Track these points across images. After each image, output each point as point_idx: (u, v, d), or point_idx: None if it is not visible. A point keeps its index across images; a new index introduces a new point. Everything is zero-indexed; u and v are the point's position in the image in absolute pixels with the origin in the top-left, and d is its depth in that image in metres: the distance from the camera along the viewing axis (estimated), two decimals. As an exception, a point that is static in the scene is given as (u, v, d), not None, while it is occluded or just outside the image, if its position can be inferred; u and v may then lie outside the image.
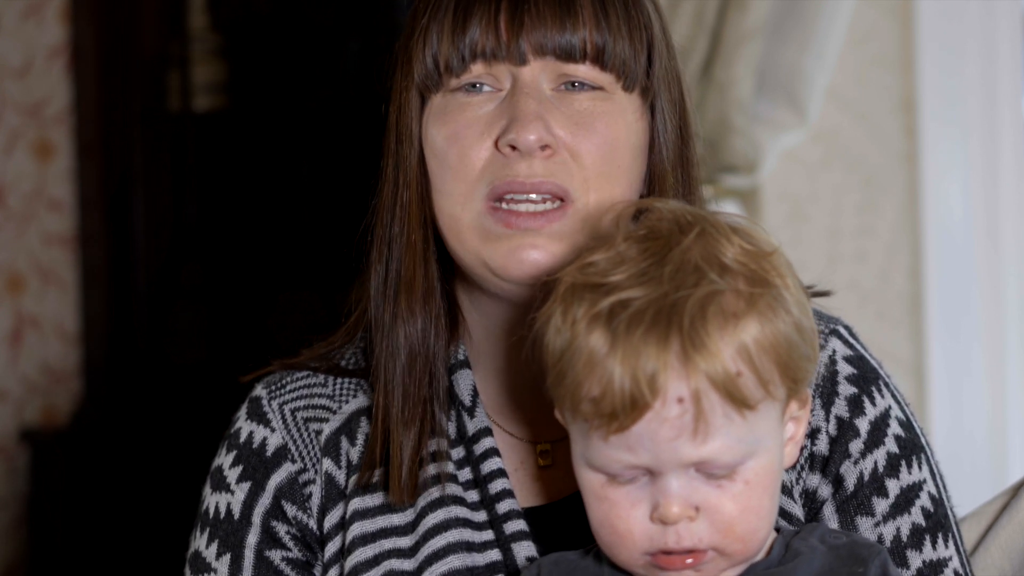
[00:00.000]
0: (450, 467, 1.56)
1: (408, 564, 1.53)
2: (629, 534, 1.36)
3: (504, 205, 1.51)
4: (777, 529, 1.44)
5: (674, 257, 1.36)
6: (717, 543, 1.35)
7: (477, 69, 1.52)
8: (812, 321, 1.39)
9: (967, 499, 1.71)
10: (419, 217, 1.56)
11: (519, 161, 1.50)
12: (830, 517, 1.54)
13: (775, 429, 1.37)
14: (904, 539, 1.53)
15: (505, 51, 1.51)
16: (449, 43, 1.52)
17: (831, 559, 1.39)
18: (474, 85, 1.53)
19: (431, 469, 1.55)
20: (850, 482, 1.54)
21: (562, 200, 1.51)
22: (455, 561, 1.52)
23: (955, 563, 1.53)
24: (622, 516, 1.36)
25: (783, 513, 1.52)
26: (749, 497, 1.35)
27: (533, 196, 1.50)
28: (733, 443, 1.33)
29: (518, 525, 1.54)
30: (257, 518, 1.59)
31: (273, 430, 1.62)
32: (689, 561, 1.35)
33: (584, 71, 1.52)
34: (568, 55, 1.51)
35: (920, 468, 1.55)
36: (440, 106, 1.54)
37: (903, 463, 1.54)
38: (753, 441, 1.34)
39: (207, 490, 1.63)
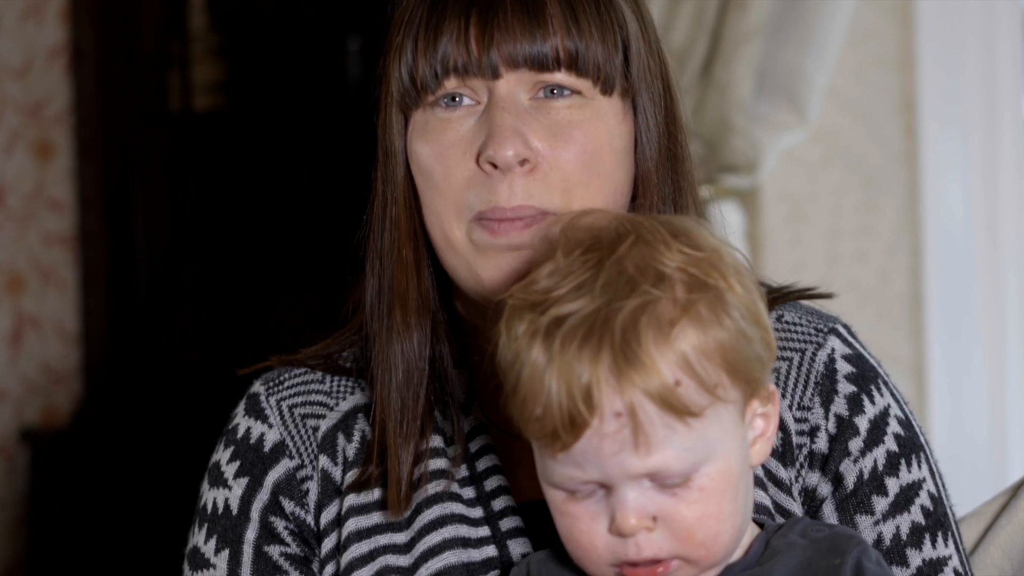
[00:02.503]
0: (446, 464, 1.57)
1: (403, 560, 1.54)
2: (593, 548, 1.35)
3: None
4: (761, 525, 1.44)
5: (608, 268, 1.34)
6: (679, 551, 1.34)
7: (451, 84, 1.51)
8: (762, 318, 1.37)
9: (967, 499, 1.71)
10: (408, 231, 1.56)
11: (500, 182, 1.49)
12: (829, 515, 1.54)
13: (731, 431, 1.35)
14: (904, 538, 1.53)
15: (476, 66, 1.50)
16: (423, 59, 1.51)
17: (810, 552, 1.38)
18: (453, 98, 1.52)
19: (431, 465, 1.56)
20: (849, 480, 1.54)
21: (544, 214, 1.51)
22: (451, 557, 1.53)
23: (955, 562, 1.53)
24: (584, 530, 1.35)
25: (782, 511, 1.52)
26: (706, 503, 1.33)
27: (518, 221, 1.50)
28: (680, 452, 1.31)
29: (514, 522, 1.54)
30: (255, 514, 1.60)
31: (271, 426, 1.62)
32: (660, 570, 1.34)
33: (560, 77, 1.51)
34: (541, 65, 1.50)
35: (920, 467, 1.55)
36: (422, 123, 1.53)
37: (903, 462, 1.54)
38: (704, 447, 1.32)
39: (205, 486, 1.64)
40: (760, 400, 1.39)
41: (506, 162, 1.49)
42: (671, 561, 1.34)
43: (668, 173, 1.57)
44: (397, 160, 1.56)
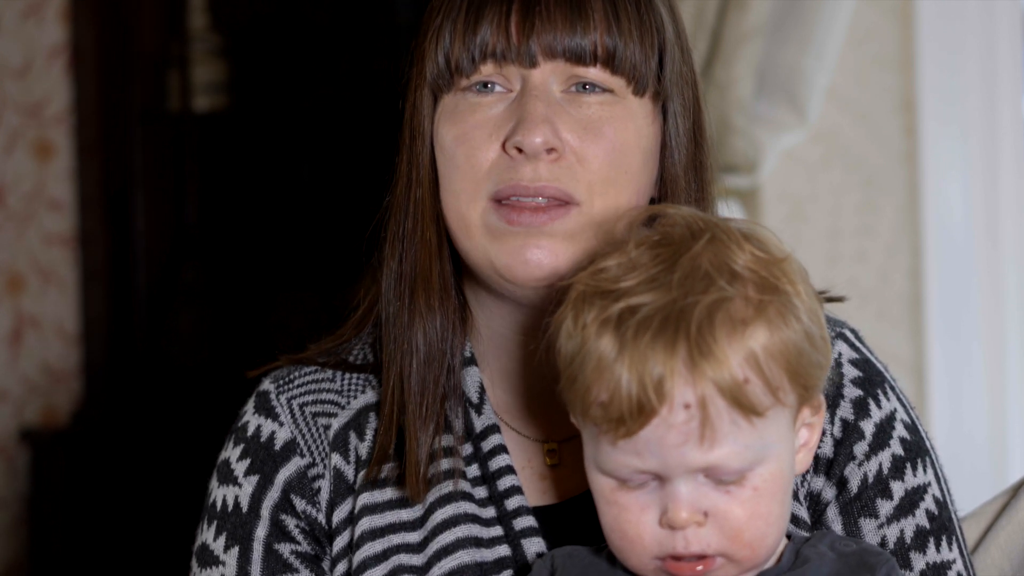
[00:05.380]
0: (457, 463, 1.57)
1: (417, 559, 1.54)
2: (639, 538, 1.36)
3: (509, 203, 1.51)
4: (788, 536, 1.44)
5: (684, 263, 1.36)
6: (725, 549, 1.35)
7: (487, 70, 1.52)
8: (823, 328, 1.39)
9: (967, 499, 1.71)
10: (432, 214, 1.57)
11: (524, 164, 1.50)
12: (834, 519, 1.54)
13: (785, 436, 1.37)
14: (908, 541, 1.53)
15: (515, 53, 1.51)
16: (460, 43, 1.52)
17: (840, 566, 1.39)
18: (485, 85, 1.53)
19: (443, 464, 1.56)
20: (854, 484, 1.54)
21: (566, 203, 1.51)
22: (464, 556, 1.53)
23: (959, 566, 1.54)
24: (632, 520, 1.36)
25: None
26: (758, 503, 1.35)
27: (539, 200, 1.51)
28: (741, 449, 1.33)
29: (527, 521, 1.54)
30: (266, 511, 1.59)
31: (281, 424, 1.62)
32: (699, 568, 1.35)
33: (594, 74, 1.52)
34: (578, 58, 1.51)
35: (925, 471, 1.55)
36: (451, 106, 1.54)
37: (908, 466, 1.54)
38: (762, 447, 1.34)
39: (213, 483, 1.63)
40: (811, 409, 1.40)
41: (533, 148, 1.49)
42: (715, 558, 1.35)
43: (694, 179, 1.58)
44: (424, 142, 1.56)
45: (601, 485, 1.38)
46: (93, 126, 4.21)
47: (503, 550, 1.54)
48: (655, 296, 1.34)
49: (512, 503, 1.55)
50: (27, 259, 4.23)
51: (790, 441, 1.38)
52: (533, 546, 1.53)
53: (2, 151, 4.21)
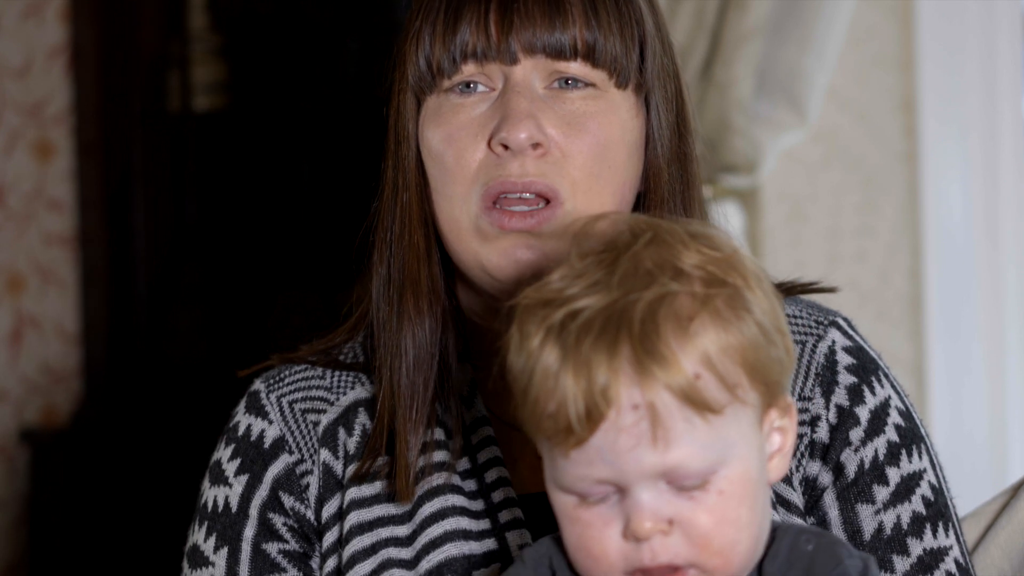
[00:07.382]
0: (447, 456, 1.57)
1: (405, 553, 1.54)
2: (604, 555, 1.31)
3: (498, 206, 1.52)
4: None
5: (623, 263, 1.31)
6: (695, 558, 1.29)
7: (469, 70, 1.53)
8: (781, 322, 1.34)
9: (967, 499, 1.72)
10: (420, 217, 1.57)
11: (511, 160, 1.50)
12: (830, 505, 1.54)
13: (749, 436, 1.31)
14: (904, 527, 1.53)
15: (495, 51, 1.51)
16: (440, 45, 1.52)
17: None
18: (468, 85, 1.53)
19: (433, 457, 1.56)
20: (850, 470, 1.54)
21: (551, 201, 1.51)
22: (452, 549, 1.53)
23: (955, 552, 1.54)
24: (595, 537, 1.31)
25: (782, 501, 1.52)
26: (725, 508, 1.29)
27: (526, 195, 1.51)
28: (699, 450, 1.27)
29: (513, 513, 1.54)
30: (254, 511, 1.60)
31: (271, 422, 1.62)
32: None
33: (575, 68, 1.52)
34: (559, 53, 1.51)
35: (920, 457, 1.55)
36: (435, 108, 1.54)
37: (903, 452, 1.55)
38: (722, 448, 1.29)
39: (206, 484, 1.64)
40: (778, 410, 1.35)
41: (519, 144, 1.50)
42: (687, 570, 1.29)
43: (678, 171, 1.58)
44: (409, 146, 1.56)
45: (562, 503, 1.32)
46: (93, 126, 4.21)
47: (491, 543, 1.53)
48: (596, 299, 1.29)
49: (498, 495, 1.55)
50: (27, 259, 4.24)
51: (756, 443, 1.32)
52: (516, 538, 1.52)
53: (2, 151, 4.21)
